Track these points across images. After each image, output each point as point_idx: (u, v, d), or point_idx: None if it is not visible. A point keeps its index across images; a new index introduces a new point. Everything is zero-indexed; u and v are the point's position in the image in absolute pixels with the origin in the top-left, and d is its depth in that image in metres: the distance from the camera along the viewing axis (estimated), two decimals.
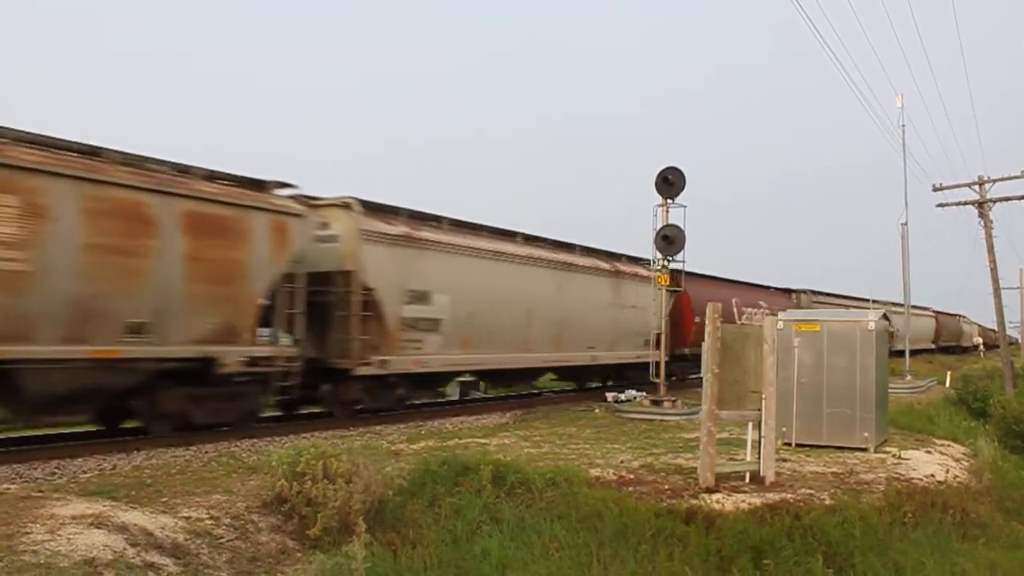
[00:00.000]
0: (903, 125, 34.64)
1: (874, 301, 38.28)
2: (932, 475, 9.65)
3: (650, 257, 17.70)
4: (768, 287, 31.18)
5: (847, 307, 33.02)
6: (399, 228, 14.43)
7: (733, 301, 25.31)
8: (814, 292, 33.96)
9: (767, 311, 25.50)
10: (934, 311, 52.74)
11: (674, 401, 16.48)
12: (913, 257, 31.68)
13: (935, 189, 29.31)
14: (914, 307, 42.52)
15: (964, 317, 69.58)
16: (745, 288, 28.45)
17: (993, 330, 70.99)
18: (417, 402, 16.39)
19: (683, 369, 23.85)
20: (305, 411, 15.30)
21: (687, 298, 22.97)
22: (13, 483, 7.98)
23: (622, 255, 22.27)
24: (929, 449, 11.83)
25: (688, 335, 22.84)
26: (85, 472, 8.90)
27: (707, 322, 8.55)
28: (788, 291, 32.34)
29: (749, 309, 26.78)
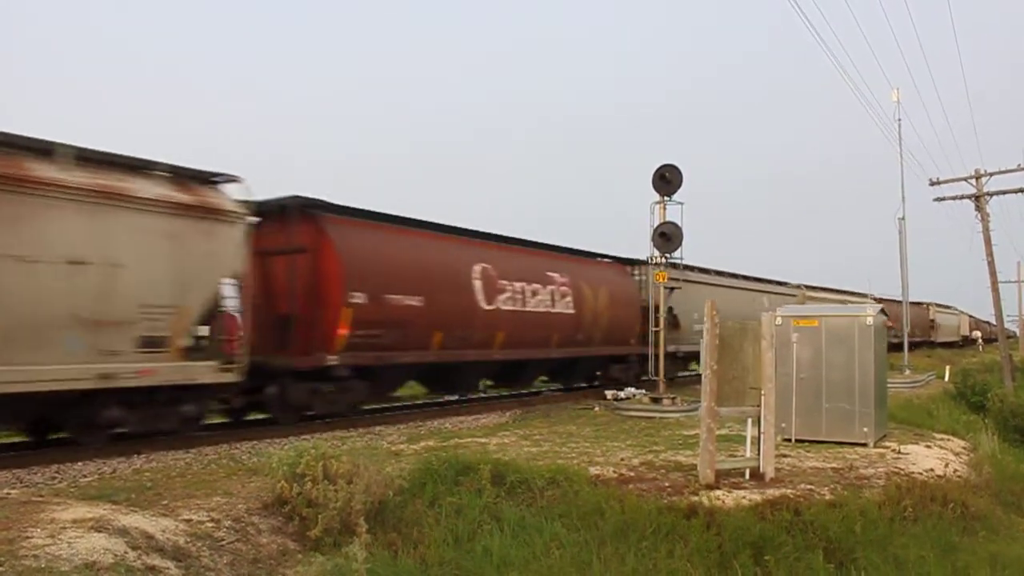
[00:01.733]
0: (899, 120, 34.74)
1: (772, 283, 31.19)
2: (932, 469, 9.67)
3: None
4: (580, 253, 20.69)
5: (734, 288, 25.92)
6: None
7: (476, 270, 15.76)
8: (675, 266, 21.32)
9: (566, 287, 18.23)
10: (876, 297, 42.97)
11: (673, 398, 16.49)
12: (911, 251, 31.54)
13: (932, 183, 29.39)
14: (852, 293, 39.64)
15: (943, 307, 58.64)
16: (511, 252, 17.65)
17: (988, 322, 70.30)
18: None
19: (321, 395, 13.03)
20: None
21: (334, 263, 12.89)
22: (14, 488, 7.97)
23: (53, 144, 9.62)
24: (928, 443, 11.86)
25: (335, 330, 12.78)
26: (85, 476, 8.89)
27: (705, 319, 8.54)
28: (627, 262, 22.53)
29: (519, 284, 16.83)
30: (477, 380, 17.94)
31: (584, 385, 21.57)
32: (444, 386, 17.37)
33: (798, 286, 33.19)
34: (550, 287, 18.00)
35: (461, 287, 15.54)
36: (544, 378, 21.34)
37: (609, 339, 20.14)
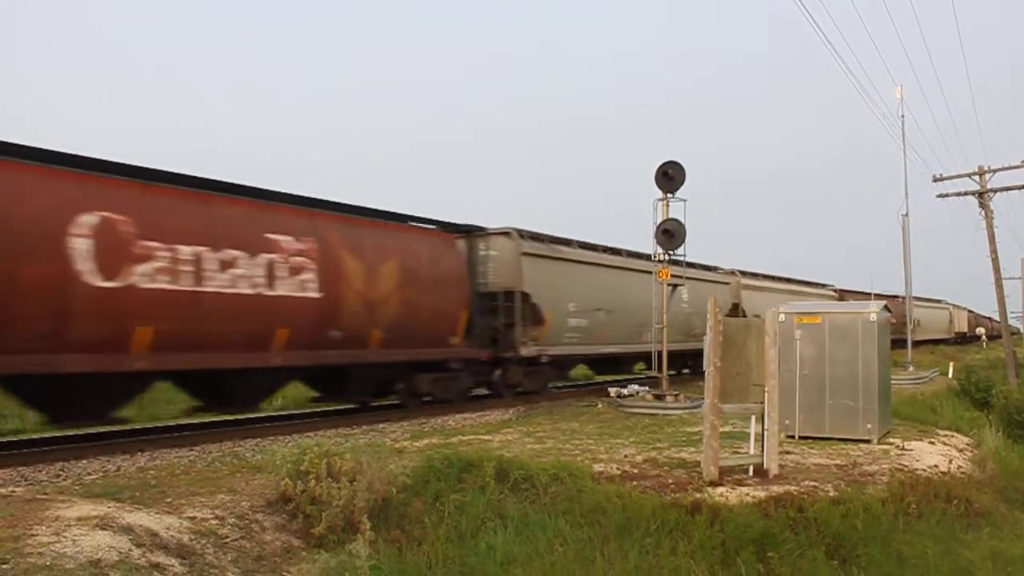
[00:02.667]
0: (902, 116, 34.59)
1: (694, 267, 22.54)
2: (935, 466, 9.65)
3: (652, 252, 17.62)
4: (354, 210, 14.11)
5: (626, 271, 20.45)
6: None
7: (83, 223, 9.84)
8: (539, 239, 17.90)
9: (305, 257, 12.39)
10: (837, 289, 39.00)
11: (677, 395, 16.50)
12: (915, 248, 31.25)
13: (935, 180, 29.37)
14: (808, 284, 34.86)
15: (925, 300, 48.97)
16: (177, 198, 11.26)
17: (989, 318, 69.25)
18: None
19: None
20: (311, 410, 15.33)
21: None
22: (19, 485, 8.00)
23: None
24: (932, 440, 11.83)
25: None
26: (90, 474, 8.92)
27: (708, 315, 8.54)
28: (454, 230, 16.53)
29: (191, 248, 10.92)
30: (111, 403, 11.02)
31: (388, 404, 15.42)
32: (60, 411, 10.58)
33: (731, 272, 27.82)
34: (267, 256, 11.82)
35: (29, 251, 9.40)
36: (316, 394, 14.84)
37: (409, 337, 14.26)
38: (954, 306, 61.12)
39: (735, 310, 26.45)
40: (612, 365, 22.43)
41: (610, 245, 21.30)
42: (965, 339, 62.26)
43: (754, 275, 29.86)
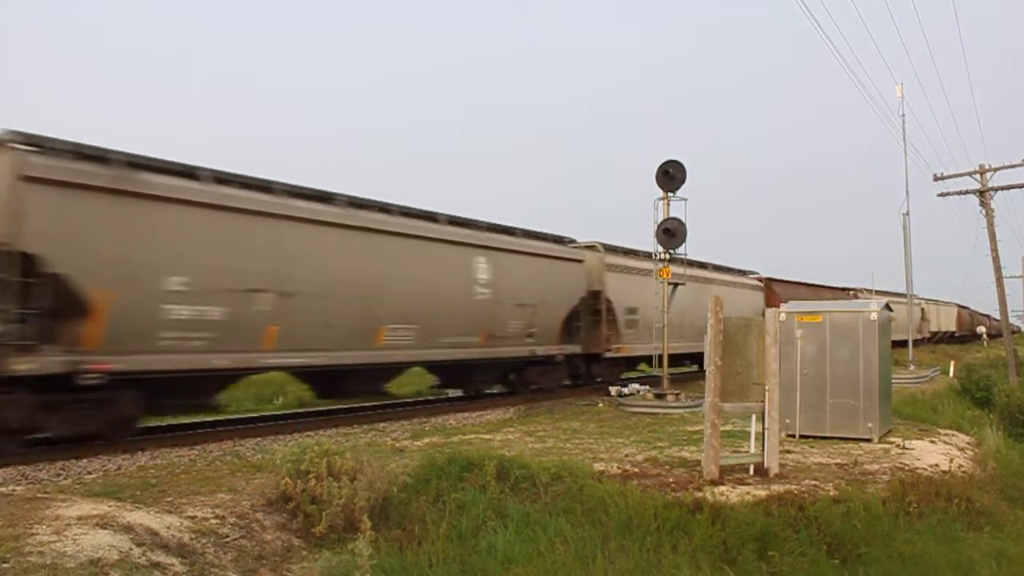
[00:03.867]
0: (903, 115, 34.47)
1: (533, 236, 18.18)
2: (936, 465, 9.64)
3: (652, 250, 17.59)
4: None
5: (402, 238, 14.00)
6: None
7: None
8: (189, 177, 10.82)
9: None
10: (762, 278, 31.59)
11: (677, 394, 16.51)
12: (916, 246, 30.99)
13: (936, 178, 29.32)
14: (721, 268, 27.12)
15: (888, 294, 36.27)
16: None
17: (989, 316, 68.60)
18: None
19: None
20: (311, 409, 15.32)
21: None
22: (19, 484, 8.00)
23: None
24: (933, 439, 11.82)
25: None
26: (90, 473, 8.92)
27: (709, 314, 8.53)
28: None
29: None
30: None
31: (388, 403, 13.47)
32: None
33: (590, 246, 20.17)
34: None
35: None
36: None
37: None
38: (930, 301, 52.83)
39: (595, 300, 19.44)
40: (331, 383, 14.12)
41: (382, 202, 14.13)
42: (953, 339, 58.46)
43: (633, 253, 21.02)
